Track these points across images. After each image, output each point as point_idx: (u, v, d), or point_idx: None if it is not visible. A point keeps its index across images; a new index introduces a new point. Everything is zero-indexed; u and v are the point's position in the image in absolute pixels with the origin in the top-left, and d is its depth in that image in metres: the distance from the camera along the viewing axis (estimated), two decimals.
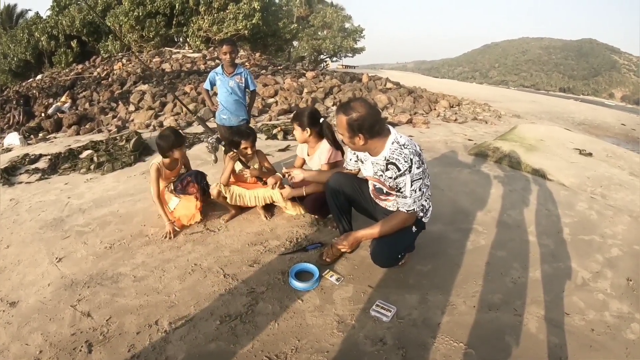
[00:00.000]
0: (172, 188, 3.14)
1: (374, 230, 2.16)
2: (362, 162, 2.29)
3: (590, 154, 5.30)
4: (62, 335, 1.99)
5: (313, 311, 2.06)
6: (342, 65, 37.38)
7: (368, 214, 2.52)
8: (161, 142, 2.96)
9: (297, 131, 2.85)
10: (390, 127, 2.07)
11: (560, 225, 3.15)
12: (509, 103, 14.45)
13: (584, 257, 2.68)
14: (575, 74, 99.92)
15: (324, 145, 2.82)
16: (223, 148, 3.05)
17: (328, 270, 2.37)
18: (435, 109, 9.30)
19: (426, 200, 2.20)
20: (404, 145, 2.00)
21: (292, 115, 2.88)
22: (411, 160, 1.97)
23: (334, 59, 34.07)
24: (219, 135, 3.29)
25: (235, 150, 2.94)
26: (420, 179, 2.01)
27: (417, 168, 1.99)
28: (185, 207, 3.01)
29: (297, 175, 2.60)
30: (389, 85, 10.99)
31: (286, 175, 2.68)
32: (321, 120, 2.82)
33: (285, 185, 2.96)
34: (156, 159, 3.03)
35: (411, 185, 2.00)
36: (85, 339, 1.94)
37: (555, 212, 3.41)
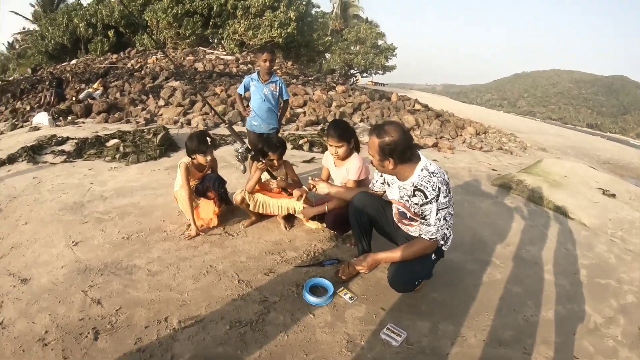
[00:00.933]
0: (194, 190, 3.15)
1: (394, 255, 2.16)
2: (388, 185, 2.29)
3: (613, 195, 5.18)
4: (70, 318, 2.02)
5: (324, 327, 2.06)
6: (372, 81, 37.44)
7: (389, 236, 2.51)
8: (188, 143, 3.00)
9: (343, 148, 2.74)
10: (421, 154, 2.08)
11: (577, 266, 3.10)
12: (536, 135, 14.29)
13: (599, 301, 2.63)
14: (604, 110, 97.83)
15: (355, 161, 2.79)
16: (251, 157, 3.08)
17: (342, 287, 2.37)
18: (461, 135, 9.26)
19: (448, 229, 2.19)
20: (433, 173, 2.00)
21: (327, 133, 2.78)
22: (439, 189, 1.97)
23: (364, 74, 34.17)
24: (248, 144, 3.31)
25: (263, 161, 2.96)
26: (445, 207, 2.01)
27: (444, 197, 1.98)
28: (204, 210, 3.02)
29: (323, 189, 2.58)
30: (417, 106, 11.00)
31: (311, 186, 2.66)
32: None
33: (307, 202, 2.97)
34: (185, 158, 3.06)
35: (437, 214, 2.00)
36: (93, 326, 1.97)
37: (574, 252, 3.36)
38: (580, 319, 2.40)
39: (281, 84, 3.86)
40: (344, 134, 2.72)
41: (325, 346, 1.93)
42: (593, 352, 2.11)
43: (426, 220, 2.04)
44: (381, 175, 2.33)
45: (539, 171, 5.68)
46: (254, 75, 3.84)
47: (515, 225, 3.76)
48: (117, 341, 1.88)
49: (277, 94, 3.84)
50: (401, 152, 1.95)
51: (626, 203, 5.03)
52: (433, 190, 1.97)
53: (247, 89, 3.88)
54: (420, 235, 2.12)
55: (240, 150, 3.16)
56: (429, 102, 14.09)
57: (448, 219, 2.08)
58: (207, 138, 2.97)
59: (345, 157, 2.83)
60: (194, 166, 3.06)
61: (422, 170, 2.01)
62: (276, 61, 4.16)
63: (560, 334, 2.22)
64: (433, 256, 2.20)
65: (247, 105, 3.97)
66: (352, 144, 2.78)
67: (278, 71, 13.56)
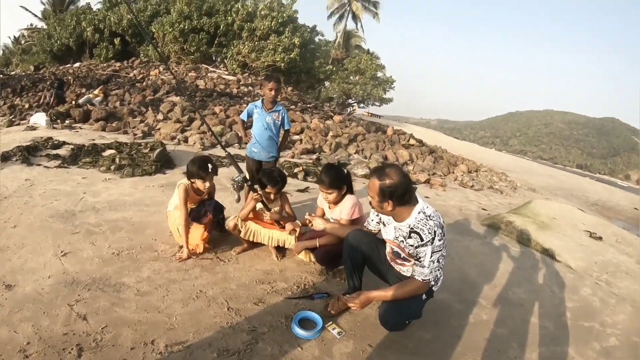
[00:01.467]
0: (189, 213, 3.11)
1: (387, 294, 2.18)
2: (384, 224, 2.34)
3: (600, 238, 5.28)
4: (53, 332, 1.98)
5: None
6: (368, 112, 37.90)
7: (381, 274, 2.54)
8: (189, 166, 2.99)
9: (333, 194, 2.80)
10: (418, 197, 2.13)
11: (562, 309, 3.16)
12: (526, 175, 14.55)
13: (582, 344, 2.68)
14: (595, 152, 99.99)
15: (347, 202, 2.84)
16: (247, 186, 3.07)
17: (331, 322, 2.38)
18: (453, 172, 9.42)
19: (439, 270, 2.22)
20: (429, 216, 2.05)
21: (320, 180, 2.83)
22: (435, 232, 2.02)
23: (361, 105, 34.63)
24: (246, 174, 3.34)
25: (259, 192, 2.99)
26: (439, 250, 2.06)
27: (439, 240, 2.03)
28: (191, 235, 2.97)
29: (319, 224, 2.61)
30: (412, 141, 11.20)
31: (307, 221, 2.69)
32: (345, 171, 2.88)
33: (299, 237, 3.01)
34: (184, 179, 3.05)
35: (431, 256, 2.04)
36: (77, 342, 1.93)
37: (559, 294, 3.42)
38: None
39: (284, 113, 3.92)
40: (335, 181, 2.77)
41: None
42: None
43: (420, 262, 2.08)
44: (377, 215, 2.37)
45: (528, 212, 5.77)
46: (258, 102, 3.89)
47: (503, 266, 3.81)
48: None
49: (279, 122, 3.90)
50: (400, 195, 2.01)
51: (612, 246, 5.13)
52: (429, 233, 2.01)
53: (250, 115, 3.93)
54: (413, 275, 2.15)
55: (237, 179, 3.17)
56: (423, 136, 14.34)
57: (441, 260, 2.13)
58: (209, 165, 2.96)
59: (336, 202, 2.88)
60: (192, 189, 3.04)
61: (419, 212, 2.06)
62: (281, 90, 4.25)
63: None
64: (424, 296, 2.23)
65: (248, 131, 4.02)
66: (343, 189, 2.84)
67: (278, 96, 13.71)
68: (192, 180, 3.00)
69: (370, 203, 2.18)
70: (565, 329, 2.85)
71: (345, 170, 2.91)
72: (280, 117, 3.88)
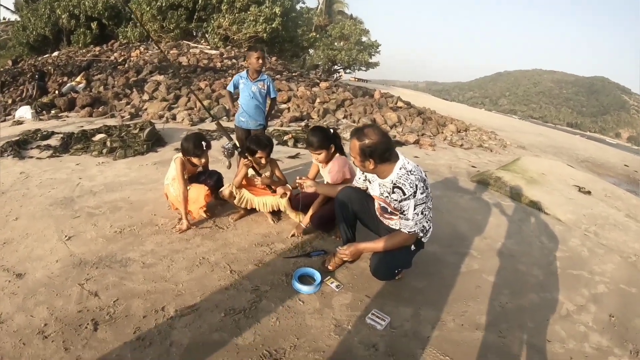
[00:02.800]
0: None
1: (375, 245, 2.31)
2: (369, 182, 2.43)
3: (589, 192, 5.41)
4: (68, 311, 2.06)
5: (313, 313, 2.18)
6: (355, 77, 37.50)
7: (372, 228, 2.65)
8: (184, 144, 3.04)
9: (321, 155, 2.89)
10: (399, 153, 2.21)
11: (551, 258, 3.28)
12: (516, 133, 14.62)
13: (571, 290, 2.80)
14: (585, 110, 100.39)
15: (334, 165, 2.94)
16: (238, 153, 3.14)
17: (329, 277, 2.50)
18: (442, 132, 9.47)
19: (427, 222, 2.34)
20: (410, 171, 2.14)
21: (307, 142, 2.93)
22: (416, 186, 2.10)
23: (348, 70, 34.15)
24: (235, 141, 3.40)
25: (249, 158, 3.06)
26: (423, 203, 2.15)
27: (421, 193, 2.12)
28: (195, 193, 3.05)
29: (310, 187, 2.70)
30: (399, 104, 11.17)
31: (298, 185, 2.76)
32: (332, 131, 2.95)
33: (289, 197, 3.11)
34: (180, 153, 3.11)
35: (414, 209, 2.14)
36: (92, 317, 2.02)
37: (548, 245, 3.54)
38: (553, 306, 2.56)
39: (269, 82, 3.96)
40: (322, 142, 2.86)
41: (315, 330, 2.06)
42: (565, 336, 2.27)
43: (404, 215, 2.18)
44: (363, 173, 2.45)
45: (517, 168, 5.89)
46: (243, 73, 3.94)
47: (493, 219, 3.94)
48: (116, 331, 1.94)
49: (265, 91, 3.94)
50: (380, 153, 2.09)
51: (601, 200, 5.26)
52: (410, 187, 2.10)
53: (236, 86, 3.98)
54: (400, 228, 2.26)
55: (227, 147, 3.23)
56: (412, 99, 14.28)
57: (426, 212, 2.23)
58: (203, 142, 3.02)
59: (327, 162, 2.97)
60: (189, 162, 3.12)
61: (400, 168, 2.15)
62: (266, 60, 4.26)
63: (533, 319, 2.38)
64: (412, 247, 2.35)
65: (236, 102, 4.06)
66: (331, 149, 2.91)
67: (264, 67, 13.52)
68: (188, 157, 3.07)
69: (353, 162, 2.27)
70: (554, 277, 2.98)
71: (332, 131, 2.98)
72: (265, 85, 3.93)
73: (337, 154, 2.98)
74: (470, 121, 13.19)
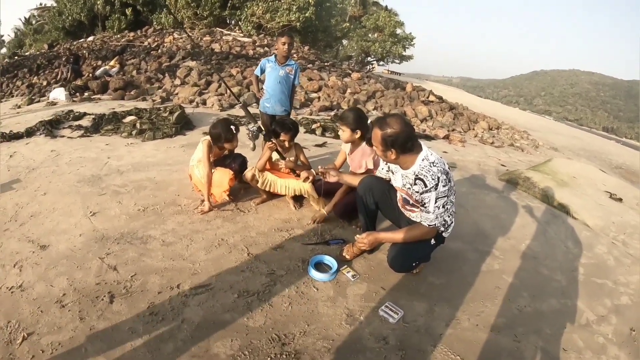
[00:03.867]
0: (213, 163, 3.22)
1: (394, 236, 2.28)
2: (392, 172, 2.39)
3: (620, 199, 5.17)
4: (86, 283, 2.15)
5: (326, 301, 2.18)
6: (388, 70, 36.95)
7: (393, 219, 2.63)
8: (213, 130, 3.08)
9: (346, 132, 2.87)
10: (422, 144, 2.16)
11: (575, 264, 3.16)
12: (549, 134, 14.14)
13: (593, 299, 2.68)
14: (622, 115, 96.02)
15: (357, 155, 2.92)
16: (263, 136, 3.16)
17: (346, 266, 2.49)
18: (473, 129, 9.26)
19: (449, 217, 2.28)
20: (433, 163, 2.09)
21: (339, 115, 2.90)
22: (438, 178, 2.05)
23: (381, 62, 33.69)
24: (260, 124, 3.43)
25: (274, 141, 3.07)
26: (445, 196, 2.10)
27: (444, 186, 2.07)
28: (219, 177, 3.09)
29: (333, 176, 2.66)
30: (431, 98, 10.98)
31: (321, 174, 2.72)
32: (368, 122, 2.89)
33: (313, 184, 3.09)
34: (207, 136, 3.14)
35: (435, 202, 2.09)
36: (109, 290, 2.10)
37: (573, 250, 3.41)
38: (573, 315, 2.46)
39: (297, 68, 3.96)
40: (351, 119, 2.83)
41: (327, 318, 2.05)
42: (582, 346, 2.18)
43: (425, 207, 2.14)
44: (386, 164, 2.42)
45: (547, 170, 5.69)
46: (271, 57, 3.94)
47: (518, 220, 3.82)
48: (131, 305, 2.01)
49: (292, 77, 3.95)
50: (402, 143, 2.05)
51: (632, 208, 5.03)
52: (433, 179, 2.05)
53: (263, 70, 3.98)
54: (420, 221, 2.22)
55: (252, 129, 3.26)
56: (444, 94, 13.99)
57: (448, 206, 2.18)
58: (232, 127, 3.07)
59: (347, 141, 2.94)
60: (216, 146, 3.15)
61: (422, 160, 2.10)
62: (294, 46, 4.26)
63: (551, 326, 2.29)
64: (432, 241, 2.30)
65: (261, 88, 4.08)
66: (357, 133, 2.86)
67: (295, 55, 13.56)
68: (218, 143, 3.10)
69: (375, 152, 2.23)
70: (576, 283, 2.86)
71: (369, 120, 2.91)
72: (293, 70, 3.93)
73: (364, 143, 2.94)
74: (502, 119, 12.83)
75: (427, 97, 10.94)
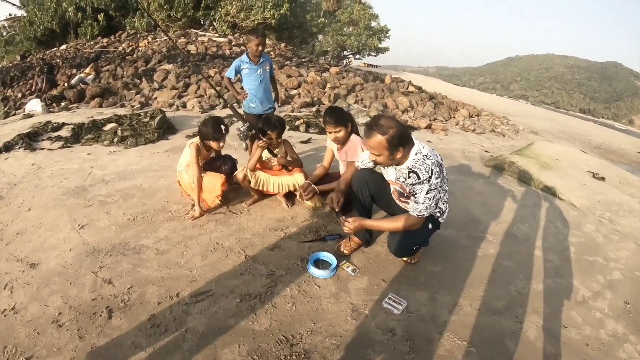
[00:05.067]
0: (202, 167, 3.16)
1: (379, 224, 2.30)
2: (384, 167, 2.35)
3: (603, 178, 5.32)
4: (82, 299, 2.07)
5: (329, 298, 2.17)
6: (365, 63, 37.01)
7: (388, 210, 2.63)
8: (202, 128, 3.01)
9: (342, 131, 2.82)
10: (414, 138, 2.15)
11: (566, 244, 3.24)
12: (528, 119, 14.43)
13: (586, 276, 2.77)
14: (597, 96, 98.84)
15: (353, 142, 2.90)
16: (252, 136, 3.12)
17: (345, 261, 2.49)
18: (454, 117, 9.35)
19: (444, 204, 2.31)
20: (426, 156, 2.08)
21: (329, 120, 2.83)
22: (432, 170, 2.05)
23: (357, 56, 33.75)
24: (248, 124, 3.39)
25: (264, 139, 3.04)
26: (436, 188, 2.10)
27: (436, 178, 2.07)
28: (210, 182, 3.03)
29: (309, 194, 2.73)
30: (410, 88, 11.03)
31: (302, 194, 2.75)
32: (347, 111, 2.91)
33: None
34: (195, 138, 3.08)
35: (426, 193, 2.08)
36: (106, 305, 2.03)
37: (563, 230, 3.49)
38: (569, 292, 2.54)
39: (269, 61, 3.89)
40: (340, 119, 2.81)
41: (332, 315, 2.05)
42: (581, 322, 2.25)
43: (415, 197, 2.13)
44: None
45: (530, 153, 5.80)
46: (244, 57, 3.81)
47: (507, 204, 3.89)
48: (131, 318, 1.95)
49: (269, 70, 3.88)
50: (404, 139, 2.02)
51: (615, 186, 5.18)
52: (426, 172, 2.05)
53: (237, 72, 3.84)
54: (409, 212, 2.21)
55: (242, 129, 3.21)
56: (422, 83, 14.12)
57: (441, 195, 2.20)
58: (222, 126, 3.01)
59: (345, 141, 2.91)
60: (204, 147, 3.09)
61: (416, 154, 2.08)
62: (269, 42, 4.19)
63: (549, 305, 2.35)
64: (430, 225, 2.31)
65: (242, 88, 3.97)
66: (349, 127, 2.86)
67: (272, 53, 13.46)
68: (206, 141, 3.04)
69: (374, 161, 2.18)
70: (569, 262, 2.94)
71: (346, 110, 2.94)
72: (268, 65, 3.87)
73: (353, 134, 2.93)
74: (481, 106, 13.03)
75: (407, 88, 10.99)
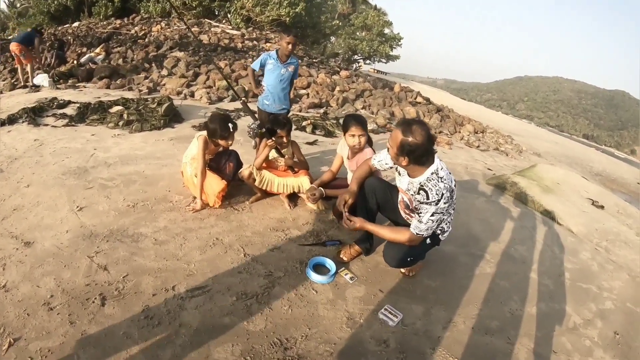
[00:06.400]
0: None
1: (379, 230, 2.28)
2: (399, 174, 2.34)
3: (602, 207, 5.33)
4: (75, 283, 2.03)
5: (325, 304, 2.17)
6: (374, 69, 37.02)
7: (392, 219, 2.63)
8: (210, 125, 2.96)
9: (363, 137, 2.82)
10: (436, 158, 2.10)
11: (562, 269, 3.25)
12: (532, 139, 14.48)
13: (579, 304, 2.78)
14: (602, 123, 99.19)
15: (366, 152, 2.88)
16: (262, 134, 3.11)
17: (344, 268, 2.49)
18: (459, 132, 9.38)
19: (447, 225, 2.31)
20: (441, 178, 2.05)
21: (353, 121, 2.83)
22: (442, 195, 2.02)
23: (367, 61, 33.72)
24: (259, 122, 3.38)
25: (273, 139, 3.02)
26: (442, 212, 2.08)
27: (445, 203, 2.04)
28: (210, 185, 2.99)
29: (314, 197, 2.72)
30: (419, 99, 11.07)
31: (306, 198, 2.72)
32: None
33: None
34: (204, 131, 3.04)
35: (431, 215, 2.06)
36: (100, 292, 1.99)
37: (559, 255, 3.50)
38: (561, 318, 2.54)
39: (297, 65, 3.89)
40: (365, 125, 2.84)
41: (327, 321, 2.04)
42: (570, 349, 2.26)
43: (420, 216, 2.11)
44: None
45: (533, 175, 5.81)
46: (273, 53, 3.82)
47: (507, 224, 3.89)
48: (124, 307, 1.91)
49: (292, 73, 3.88)
50: (419, 156, 2.00)
51: (613, 216, 5.18)
52: (437, 194, 2.02)
53: (263, 65, 3.85)
54: (410, 227, 2.19)
55: (252, 127, 3.20)
56: (430, 95, 14.14)
57: (446, 217, 2.18)
58: (230, 124, 2.96)
59: (361, 149, 2.90)
60: (212, 141, 3.05)
61: (432, 173, 2.06)
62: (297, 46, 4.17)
63: (541, 329, 2.36)
64: (428, 240, 2.29)
65: (260, 83, 3.98)
66: (365, 136, 2.87)
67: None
68: (213, 138, 3.00)
69: (387, 150, 2.19)
70: (563, 287, 2.95)
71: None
72: (293, 68, 3.87)
73: (367, 145, 2.93)
74: (487, 123, 13.07)
75: (415, 99, 11.03)
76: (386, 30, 31.94)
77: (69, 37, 12.36)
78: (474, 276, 2.77)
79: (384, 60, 32.81)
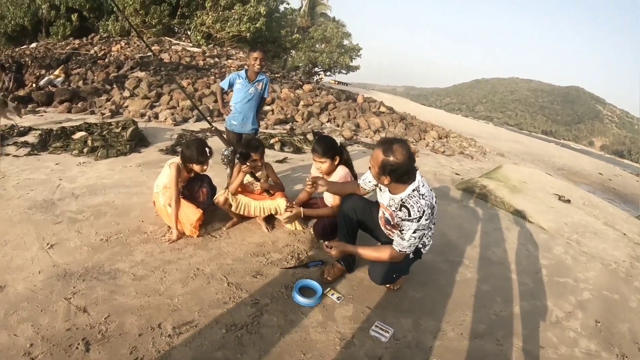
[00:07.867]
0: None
1: (360, 252, 2.29)
2: (380, 189, 2.36)
3: (568, 201, 5.59)
4: (55, 329, 1.89)
5: (316, 327, 2.14)
6: (335, 80, 37.47)
7: (373, 235, 2.64)
8: (186, 151, 2.89)
9: (326, 163, 2.81)
10: (418, 174, 2.13)
11: (538, 266, 3.38)
12: (494, 140, 14.99)
13: (559, 298, 2.91)
14: (559, 119, 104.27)
15: (339, 172, 2.87)
16: (237, 160, 3.05)
17: (329, 288, 2.47)
18: (424, 139, 9.60)
19: (428, 239, 2.36)
20: (423, 195, 2.07)
21: (315, 146, 2.86)
22: (424, 211, 2.05)
23: (328, 73, 34.13)
24: (232, 147, 3.28)
25: (248, 163, 2.95)
26: (423, 229, 2.11)
27: (426, 219, 2.07)
28: (186, 215, 2.90)
29: (322, 185, 2.54)
30: (382, 109, 11.27)
31: (308, 183, 2.56)
32: (339, 144, 2.89)
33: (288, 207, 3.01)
34: (176, 158, 2.95)
35: (413, 232, 2.09)
36: (82, 336, 1.86)
37: (534, 253, 3.64)
38: (544, 314, 2.66)
39: (266, 81, 3.82)
40: (327, 150, 2.80)
41: (321, 345, 2.02)
42: (557, 342, 2.37)
43: (402, 233, 2.13)
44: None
45: (499, 176, 6.02)
46: (242, 72, 3.75)
47: (480, 227, 4.01)
48: (111, 351, 1.80)
49: (261, 92, 3.81)
50: (400, 174, 2.03)
51: (580, 208, 5.45)
52: (418, 211, 2.05)
53: (231, 85, 3.76)
54: (393, 244, 2.20)
55: (225, 153, 3.11)
56: (392, 103, 14.45)
57: (426, 232, 2.20)
58: (207, 149, 2.90)
59: (329, 173, 2.89)
60: (185, 168, 2.97)
61: (413, 190, 2.08)
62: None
63: (527, 326, 2.47)
64: (411, 255, 2.31)
65: (227, 103, 3.90)
66: (336, 160, 2.85)
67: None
68: (189, 164, 2.92)
69: (369, 169, 2.20)
70: (542, 284, 3.07)
71: (339, 143, 2.92)
72: (262, 85, 3.78)
73: (340, 166, 2.91)
74: (449, 127, 13.45)
75: (379, 108, 11.22)
76: (345, 42, 32.52)
77: (27, 59, 11.83)
78: (456, 283, 2.84)
79: (344, 72, 33.30)
